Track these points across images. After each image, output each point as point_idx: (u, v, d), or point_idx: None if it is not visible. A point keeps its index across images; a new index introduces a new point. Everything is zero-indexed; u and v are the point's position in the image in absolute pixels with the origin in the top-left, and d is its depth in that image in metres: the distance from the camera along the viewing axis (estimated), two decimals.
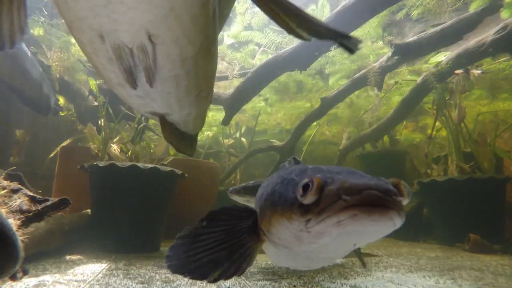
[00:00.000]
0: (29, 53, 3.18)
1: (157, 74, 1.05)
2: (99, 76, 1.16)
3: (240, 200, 2.31)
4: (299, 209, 0.77)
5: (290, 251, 0.97)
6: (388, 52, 4.04)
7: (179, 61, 1.02)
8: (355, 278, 1.99)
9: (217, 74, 3.08)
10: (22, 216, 1.81)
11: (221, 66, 4.71)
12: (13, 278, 1.54)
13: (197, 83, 1.18)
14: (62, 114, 4.57)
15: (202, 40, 1.00)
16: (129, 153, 3.13)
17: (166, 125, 1.50)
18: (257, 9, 4.40)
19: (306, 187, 0.76)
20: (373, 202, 0.69)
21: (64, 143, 4.36)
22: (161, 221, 2.96)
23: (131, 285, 1.71)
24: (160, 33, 0.91)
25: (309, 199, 0.75)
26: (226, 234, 1.01)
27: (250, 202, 2.27)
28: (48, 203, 1.96)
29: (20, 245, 1.18)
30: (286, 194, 0.85)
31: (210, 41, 1.06)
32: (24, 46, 3.23)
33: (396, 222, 0.72)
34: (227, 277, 0.98)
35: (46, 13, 4.09)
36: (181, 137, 1.76)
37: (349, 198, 0.70)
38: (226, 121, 4.03)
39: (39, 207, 1.93)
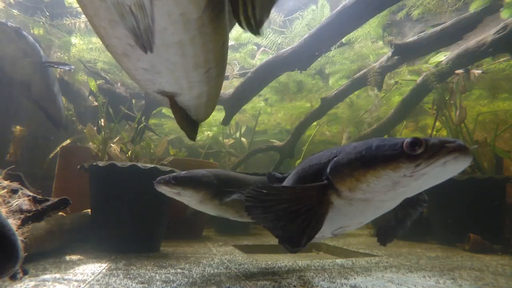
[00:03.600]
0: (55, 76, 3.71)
1: (159, 38, 0.98)
2: (104, 45, 1.13)
3: (169, 192, 2.10)
4: (407, 159, 1.07)
5: (365, 204, 1.25)
6: (388, 52, 4.04)
7: (181, 23, 0.96)
8: (355, 278, 1.99)
9: None
10: (22, 216, 1.81)
11: None
12: (13, 278, 1.54)
13: (205, 57, 1.11)
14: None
15: (206, 1, 0.93)
16: (129, 153, 3.13)
17: (177, 109, 1.45)
18: None
19: (413, 144, 1.07)
20: (463, 148, 1.04)
21: (64, 143, 4.36)
22: (161, 221, 2.96)
23: (131, 285, 1.71)
24: None
25: (419, 150, 1.05)
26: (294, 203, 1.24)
27: (181, 195, 2.10)
28: (48, 203, 1.96)
29: (20, 245, 1.18)
30: (383, 153, 1.12)
31: (217, 5, 0.98)
32: (53, 71, 3.68)
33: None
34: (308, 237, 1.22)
35: (47, 14, 4.10)
36: (192, 125, 1.74)
37: (450, 145, 1.04)
38: (226, 121, 4.03)
39: (39, 207, 1.92)
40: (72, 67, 3.50)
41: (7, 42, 2.96)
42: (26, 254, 1.32)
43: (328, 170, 1.27)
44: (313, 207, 1.24)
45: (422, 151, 1.06)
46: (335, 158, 1.28)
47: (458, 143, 1.05)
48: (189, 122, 1.72)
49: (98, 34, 1.05)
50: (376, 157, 1.13)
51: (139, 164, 2.71)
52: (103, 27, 0.99)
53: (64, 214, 2.75)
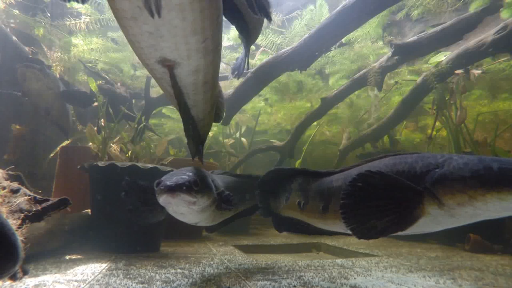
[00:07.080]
0: None
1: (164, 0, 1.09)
2: (114, 11, 1.24)
3: (184, 201, 1.55)
4: None
5: (468, 217, 1.28)
6: (388, 52, 4.04)
7: None
8: (355, 278, 1.99)
9: None
10: (22, 216, 1.82)
11: (220, 66, 4.69)
12: (13, 278, 1.54)
13: (202, 23, 1.22)
14: None
15: None
16: (129, 153, 3.13)
17: (176, 87, 1.52)
18: None
19: None
20: None
21: (64, 143, 4.36)
22: (160, 222, 2.96)
23: (131, 285, 1.72)
24: None
25: None
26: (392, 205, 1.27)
27: (196, 204, 1.59)
28: (48, 203, 1.96)
29: (20, 245, 1.18)
30: None
31: None
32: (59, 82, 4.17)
33: None
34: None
35: (49, 14, 4.11)
36: (194, 126, 1.78)
37: None
38: (226, 121, 4.03)
39: (39, 207, 1.93)
40: (90, 95, 3.84)
41: (35, 80, 3.62)
42: (25, 254, 1.33)
43: (430, 180, 1.28)
44: (405, 212, 1.25)
45: None
46: (437, 170, 1.28)
47: None
48: (190, 118, 1.73)
49: None
50: (501, 179, 1.13)
51: (139, 164, 2.71)
52: None
53: (64, 214, 2.75)
